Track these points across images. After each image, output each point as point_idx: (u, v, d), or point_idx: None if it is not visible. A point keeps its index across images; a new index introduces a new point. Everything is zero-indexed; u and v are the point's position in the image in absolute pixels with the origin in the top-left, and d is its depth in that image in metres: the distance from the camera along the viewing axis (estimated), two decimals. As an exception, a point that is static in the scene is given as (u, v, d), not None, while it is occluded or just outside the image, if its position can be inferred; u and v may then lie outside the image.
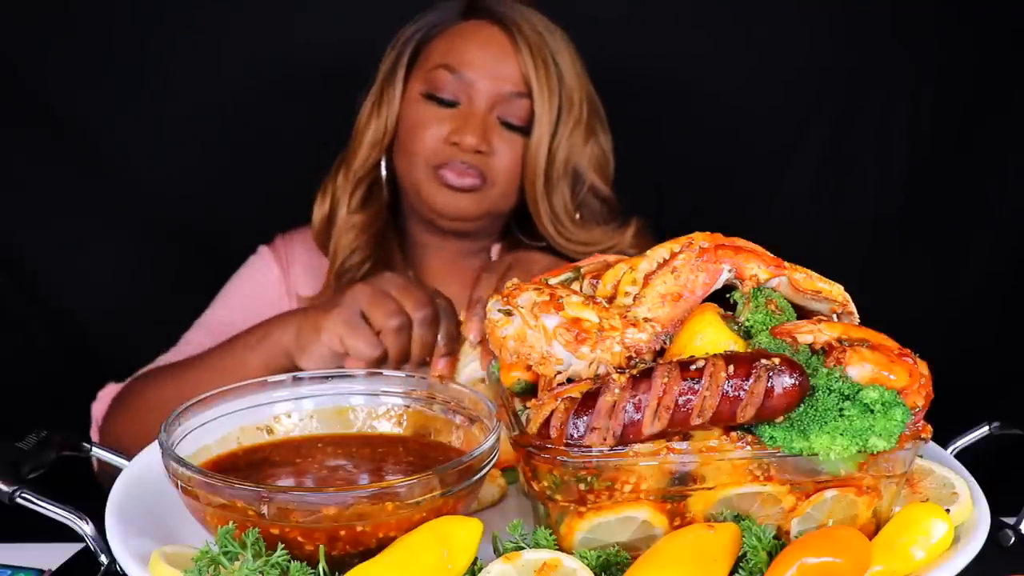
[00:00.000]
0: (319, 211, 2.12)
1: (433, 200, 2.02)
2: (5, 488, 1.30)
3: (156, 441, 1.24)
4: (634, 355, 1.22)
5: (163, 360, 2.06)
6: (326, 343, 1.66)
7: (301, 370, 1.71)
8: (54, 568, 1.34)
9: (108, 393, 2.02)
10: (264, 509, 1.11)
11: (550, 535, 1.16)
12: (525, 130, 2.01)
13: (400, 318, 1.63)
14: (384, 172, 2.12)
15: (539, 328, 1.23)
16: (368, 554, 1.11)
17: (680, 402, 1.12)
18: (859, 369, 1.17)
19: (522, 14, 2.04)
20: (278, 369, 1.73)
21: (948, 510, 1.22)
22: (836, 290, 1.30)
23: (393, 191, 2.15)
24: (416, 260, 2.19)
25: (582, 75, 2.06)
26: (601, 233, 2.08)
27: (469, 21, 2.06)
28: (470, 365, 1.63)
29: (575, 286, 1.33)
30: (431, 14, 2.10)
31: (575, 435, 1.13)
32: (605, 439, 1.13)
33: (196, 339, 2.10)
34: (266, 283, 2.22)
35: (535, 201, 2.03)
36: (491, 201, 2.04)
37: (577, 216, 2.08)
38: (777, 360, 1.13)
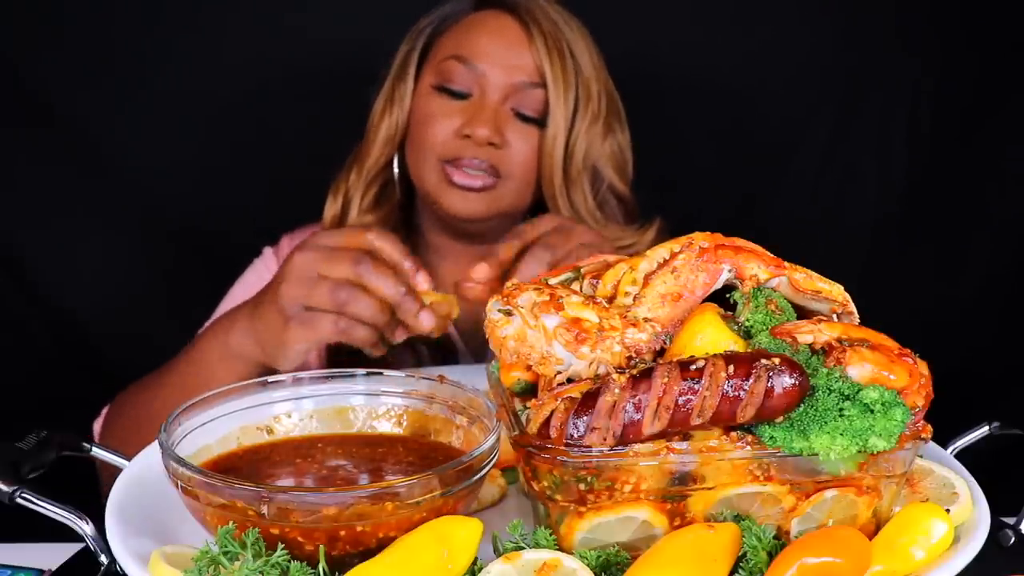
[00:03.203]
0: (330, 210, 2.08)
1: (443, 199, 1.97)
2: (5, 488, 1.30)
3: (156, 441, 1.24)
4: (634, 355, 1.22)
5: None
6: (296, 349, 1.62)
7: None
8: (54, 568, 1.34)
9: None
10: (264, 509, 1.11)
11: (550, 535, 1.16)
12: (540, 122, 1.96)
13: (346, 289, 1.58)
14: (396, 171, 2.07)
15: (539, 328, 1.23)
16: (368, 554, 1.11)
17: (680, 402, 1.12)
18: (859, 369, 1.17)
19: (536, 3, 1.99)
20: (250, 377, 1.68)
21: (948, 510, 1.22)
22: (836, 290, 1.30)
23: (406, 192, 2.11)
24: (430, 263, 2.13)
25: (600, 68, 2.02)
26: (621, 232, 2.03)
27: (481, 11, 2.02)
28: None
29: (575, 286, 1.33)
30: (445, 7, 2.06)
31: (575, 435, 1.13)
32: (605, 439, 1.13)
33: None
34: None
35: (553, 197, 1.98)
36: (505, 199, 1.98)
37: (599, 215, 2.03)
38: (777, 360, 1.13)
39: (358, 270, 1.59)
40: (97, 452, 1.50)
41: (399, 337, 1.67)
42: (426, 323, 1.61)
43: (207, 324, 2.12)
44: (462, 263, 2.09)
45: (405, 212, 2.13)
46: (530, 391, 1.30)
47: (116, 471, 1.40)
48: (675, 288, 1.25)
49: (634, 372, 1.16)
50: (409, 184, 2.09)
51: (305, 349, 1.64)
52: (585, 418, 1.13)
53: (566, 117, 1.95)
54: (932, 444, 1.41)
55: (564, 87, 1.94)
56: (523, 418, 1.24)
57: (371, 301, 1.59)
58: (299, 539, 1.12)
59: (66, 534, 1.29)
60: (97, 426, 2.01)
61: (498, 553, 1.14)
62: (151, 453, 1.38)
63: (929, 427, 1.19)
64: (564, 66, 1.95)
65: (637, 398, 1.13)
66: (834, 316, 1.30)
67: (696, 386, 1.12)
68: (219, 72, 2.59)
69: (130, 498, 1.30)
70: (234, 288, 2.18)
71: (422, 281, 1.63)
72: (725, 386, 1.12)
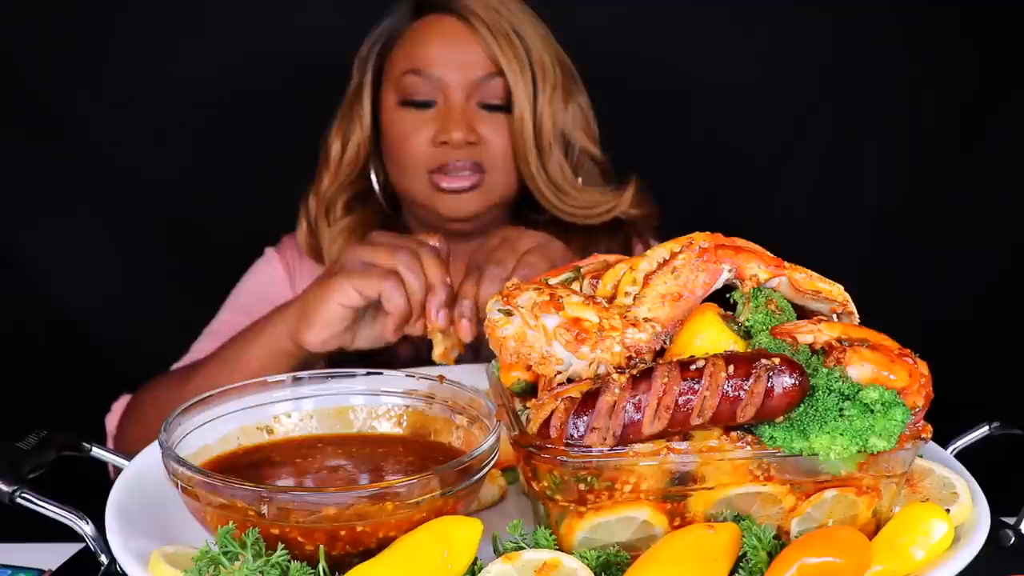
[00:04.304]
0: (300, 227, 2.14)
1: (436, 206, 2.02)
2: (5, 488, 1.30)
3: (156, 441, 1.25)
4: (634, 355, 1.22)
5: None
6: (336, 300, 1.66)
7: (306, 353, 1.72)
8: (54, 568, 1.34)
9: (120, 405, 2.02)
10: (264, 509, 1.11)
11: (550, 535, 1.16)
12: (507, 108, 2.01)
13: (406, 252, 1.65)
14: (376, 184, 2.12)
15: (539, 328, 1.23)
16: (368, 554, 1.11)
17: (680, 402, 1.12)
18: (859, 369, 1.17)
19: None
20: (282, 358, 1.74)
21: (948, 510, 1.22)
22: (836, 290, 1.30)
23: (390, 200, 2.15)
24: None
25: (547, 38, 2.05)
26: (600, 195, 2.08)
27: (423, 18, 2.05)
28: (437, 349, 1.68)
29: (575, 286, 1.33)
30: (385, 21, 2.09)
31: (575, 435, 1.13)
32: (605, 439, 1.13)
33: (206, 347, 2.07)
34: (272, 286, 2.20)
35: (531, 175, 2.03)
36: (493, 191, 2.04)
37: (579, 180, 2.07)
38: (777, 360, 1.13)
39: (420, 250, 1.68)
40: (97, 452, 1.50)
41: (418, 330, 1.71)
42: (441, 320, 1.66)
43: (209, 328, 2.13)
44: (456, 261, 2.12)
45: (391, 217, 2.16)
46: (530, 391, 1.30)
47: None
48: (675, 288, 1.25)
49: (634, 372, 1.16)
50: (392, 194, 2.13)
51: (343, 306, 1.67)
52: (585, 418, 1.13)
53: (528, 97, 2.00)
54: (932, 444, 1.40)
55: (520, 69, 1.99)
56: (523, 418, 1.24)
57: (420, 275, 1.65)
58: (299, 539, 1.12)
59: (66, 534, 1.29)
60: (111, 423, 2.01)
61: (498, 553, 1.14)
62: (151, 453, 1.39)
63: (929, 427, 1.19)
64: (514, 49, 1.99)
65: (637, 398, 1.13)
66: (834, 316, 1.30)
67: (696, 386, 1.12)
68: (219, 72, 2.59)
69: (130, 498, 1.30)
70: (236, 291, 2.19)
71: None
72: (725, 386, 1.12)
